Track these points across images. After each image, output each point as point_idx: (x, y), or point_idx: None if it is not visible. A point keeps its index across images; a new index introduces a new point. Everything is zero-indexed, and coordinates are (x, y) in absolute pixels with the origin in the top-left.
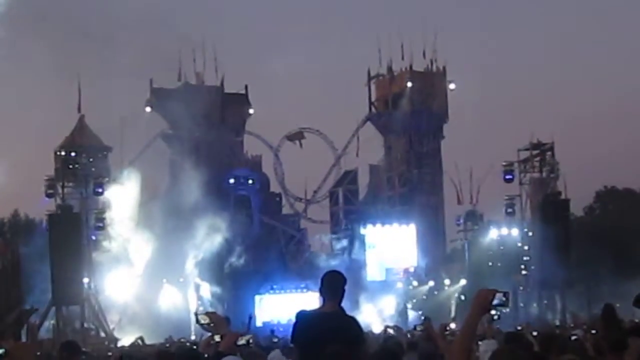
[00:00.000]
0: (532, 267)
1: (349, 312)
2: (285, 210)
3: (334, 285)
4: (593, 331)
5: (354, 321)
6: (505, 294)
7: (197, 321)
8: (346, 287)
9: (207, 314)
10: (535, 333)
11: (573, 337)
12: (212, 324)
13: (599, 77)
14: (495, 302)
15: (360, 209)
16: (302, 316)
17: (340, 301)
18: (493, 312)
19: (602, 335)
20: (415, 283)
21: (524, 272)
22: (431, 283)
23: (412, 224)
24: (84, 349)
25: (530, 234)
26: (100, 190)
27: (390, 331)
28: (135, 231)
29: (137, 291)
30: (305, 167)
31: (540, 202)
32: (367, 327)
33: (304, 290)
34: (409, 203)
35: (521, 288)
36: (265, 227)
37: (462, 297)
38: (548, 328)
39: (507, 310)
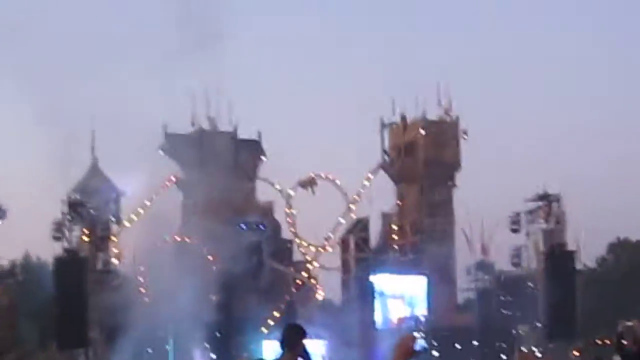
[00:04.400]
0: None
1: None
2: (296, 257)
3: (292, 338)
4: None
5: None
6: (425, 339)
7: None
8: (304, 340)
9: None
10: None
11: None
12: None
13: (610, 128)
14: (416, 347)
15: (371, 257)
16: None
17: (298, 353)
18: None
19: None
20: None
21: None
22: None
23: (423, 276)
24: None
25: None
26: (107, 233)
27: None
28: (146, 274)
29: None
30: (317, 213)
31: (546, 254)
32: None
33: (313, 337)
34: (421, 252)
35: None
36: (276, 273)
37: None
38: None
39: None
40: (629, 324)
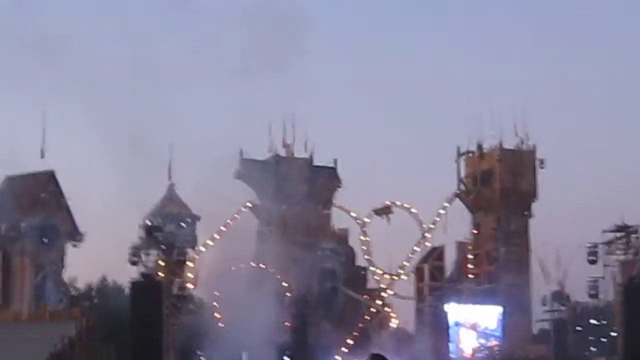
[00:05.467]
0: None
1: None
2: (371, 284)
3: None
4: None
5: None
6: None
7: None
8: None
9: None
10: None
11: None
12: None
13: None
14: None
15: (446, 286)
16: None
17: None
18: None
19: None
20: None
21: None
22: None
23: (498, 306)
24: None
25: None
26: (182, 258)
27: None
28: (221, 299)
29: None
30: (392, 242)
31: (623, 285)
32: None
33: None
34: (496, 281)
35: None
36: (350, 300)
37: None
38: None
39: None
40: None
